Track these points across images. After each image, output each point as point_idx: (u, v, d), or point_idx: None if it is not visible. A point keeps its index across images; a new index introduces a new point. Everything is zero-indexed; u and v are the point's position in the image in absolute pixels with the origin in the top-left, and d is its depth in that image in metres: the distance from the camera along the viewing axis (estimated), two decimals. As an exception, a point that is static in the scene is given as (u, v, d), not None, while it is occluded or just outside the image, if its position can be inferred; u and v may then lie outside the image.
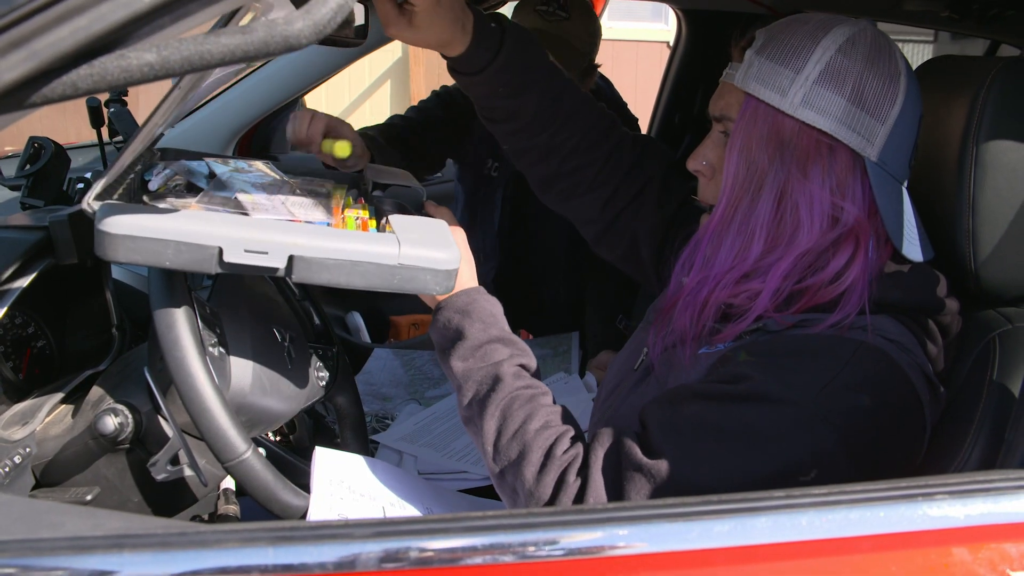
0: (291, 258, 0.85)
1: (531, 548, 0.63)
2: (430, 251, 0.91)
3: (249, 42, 0.62)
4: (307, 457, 1.50)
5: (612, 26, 7.14)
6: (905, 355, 0.93)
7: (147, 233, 0.81)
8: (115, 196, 0.91)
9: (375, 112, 7.44)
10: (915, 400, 0.92)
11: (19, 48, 0.60)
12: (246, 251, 0.84)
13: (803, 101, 0.97)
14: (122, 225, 0.81)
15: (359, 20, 1.38)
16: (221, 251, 0.83)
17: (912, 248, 0.99)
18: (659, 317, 1.09)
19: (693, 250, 1.06)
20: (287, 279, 0.88)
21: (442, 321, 1.03)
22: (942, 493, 0.67)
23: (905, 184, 1.02)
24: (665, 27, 7.25)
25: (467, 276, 1.06)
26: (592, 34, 2.06)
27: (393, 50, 7.19)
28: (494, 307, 1.05)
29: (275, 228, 0.87)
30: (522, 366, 1.01)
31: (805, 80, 0.97)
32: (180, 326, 0.89)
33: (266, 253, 0.85)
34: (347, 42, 1.25)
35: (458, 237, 1.05)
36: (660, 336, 1.07)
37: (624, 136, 1.27)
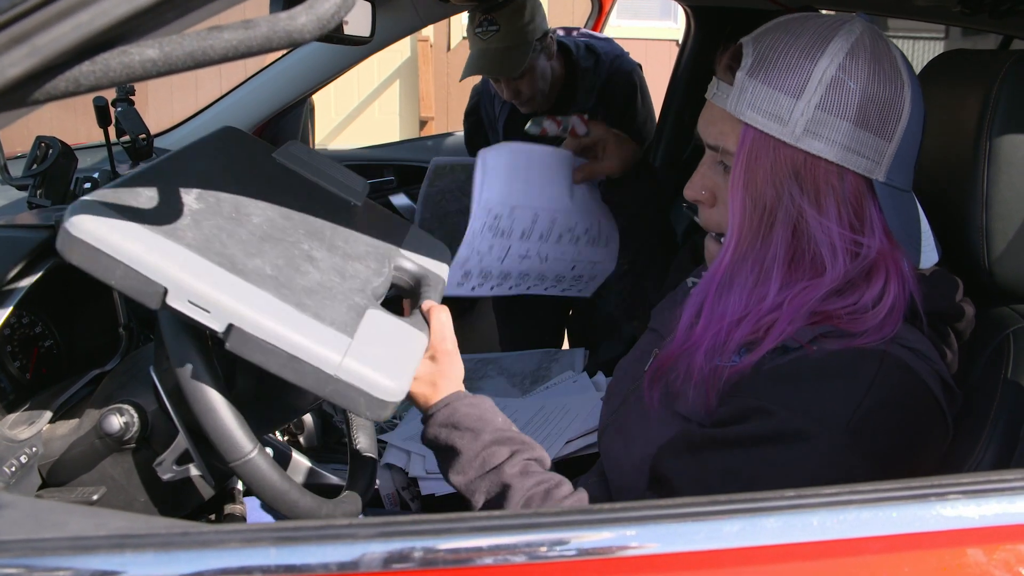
0: (231, 326, 0.80)
1: (542, 548, 0.62)
2: (374, 373, 0.83)
3: (252, 37, 0.62)
4: (315, 457, 1.50)
5: (620, 24, 7.12)
6: (923, 363, 0.90)
7: (103, 246, 0.77)
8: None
9: (384, 112, 7.45)
10: (937, 408, 0.90)
11: (21, 44, 0.60)
12: (190, 302, 0.79)
13: (806, 130, 0.90)
14: (84, 229, 0.77)
15: (366, 18, 1.38)
16: (166, 292, 0.78)
17: (925, 256, 0.94)
18: (661, 364, 1.02)
19: (702, 293, 0.99)
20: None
21: (430, 438, 0.99)
22: (956, 493, 0.65)
23: (910, 188, 0.98)
24: (674, 25, 7.23)
25: (451, 379, 1.00)
26: (527, 23, 2.20)
27: (402, 50, 7.20)
28: (479, 407, 0.98)
29: (231, 288, 0.80)
30: (528, 460, 0.96)
31: (807, 106, 0.90)
32: (185, 325, 0.88)
33: (208, 312, 0.79)
34: (353, 39, 1.25)
35: (444, 355, 0.99)
36: (658, 382, 1.01)
37: None
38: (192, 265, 0.80)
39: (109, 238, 0.77)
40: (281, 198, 0.99)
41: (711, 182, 1.00)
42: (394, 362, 0.87)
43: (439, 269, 1.12)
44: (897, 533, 0.64)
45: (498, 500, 0.93)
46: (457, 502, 1.01)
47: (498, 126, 2.57)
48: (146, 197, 0.85)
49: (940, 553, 0.64)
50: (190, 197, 0.89)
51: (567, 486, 0.93)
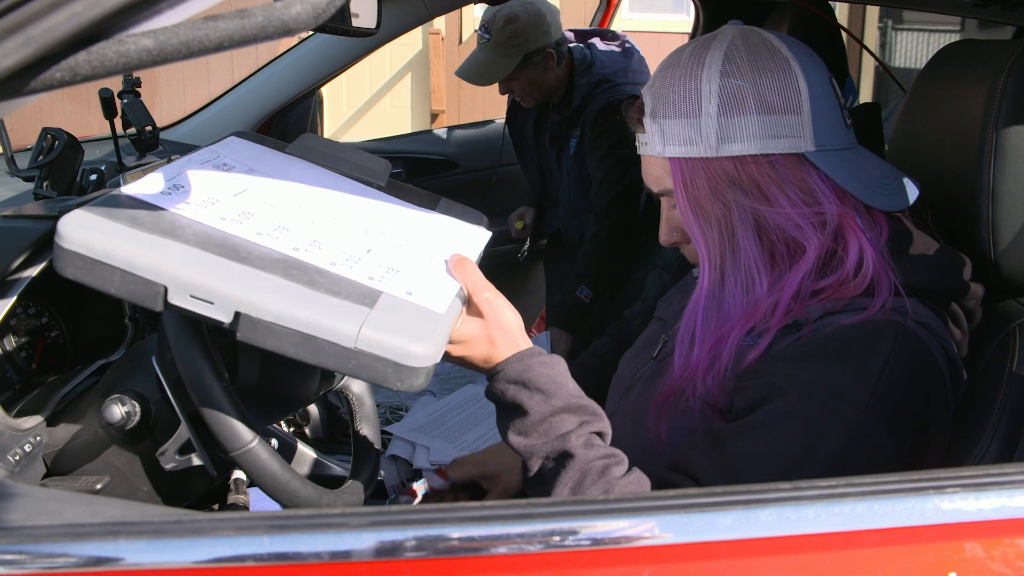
0: (238, 314, 0.76)
1: (535, 540, 0.62)
2: (398, 339, 0.76)
3: (247, 26, 0.61)
4: (321, 447, 1.50)
5: (633, 18, 7.09)
6: (933, 339, 0.92)
7: (96, 255, 0.74)
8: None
9: (396, 105, 7.45)
10: (943, 385, 0.92)
11: (15, 34, 0.60)
12: (191, 296, 0.76)
13: (719, 139, 0.95)
14: (75, 240, 0.74)
15: (372, 10, 1.38)
16: (166, 291, 0.75)
17: (887, 200, 0.98)
18: (666, 398, 1.01)
19: (690, 320, 1.01)
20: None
21: (496, 392, 0.93)
22: (955, 486, 0.65)
23: (853, 144, 1.01)
24: (687, 18, 7.19)
25: (517, 335, 0.93)
26: (518, 39, 2.31)
27: (413, 43, 7.19)
28: (554, 369, 0.92)
29: (231, 276, 0.77)
30: (594, 433, 0.92)
31: (709, 119, 0.95)
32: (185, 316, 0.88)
33: (212, 303, 0.76)
34: (358, 31, 1.25)
35: (485, 304, 0.91)
36: (665, 416, 1.00)
37: None
38: (189, 258, 0.77)
39: (101, 245, 0.74)
40: (292, 187, 0.95)
41: (676, 223, 1.06)
42: (420, 324, 0.80)
43: (474, 231, 1.05)
44: (894, 526, 0.64)
45: (555, 467, 0.90)
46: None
47: (527, 132, 2.68)
48: (140, 201, 0.82)
49: (938, 547, 0.64)
50: (189, 195, 0.86)
51: (624, 464, 0.91)
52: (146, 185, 0.85)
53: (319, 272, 0.81)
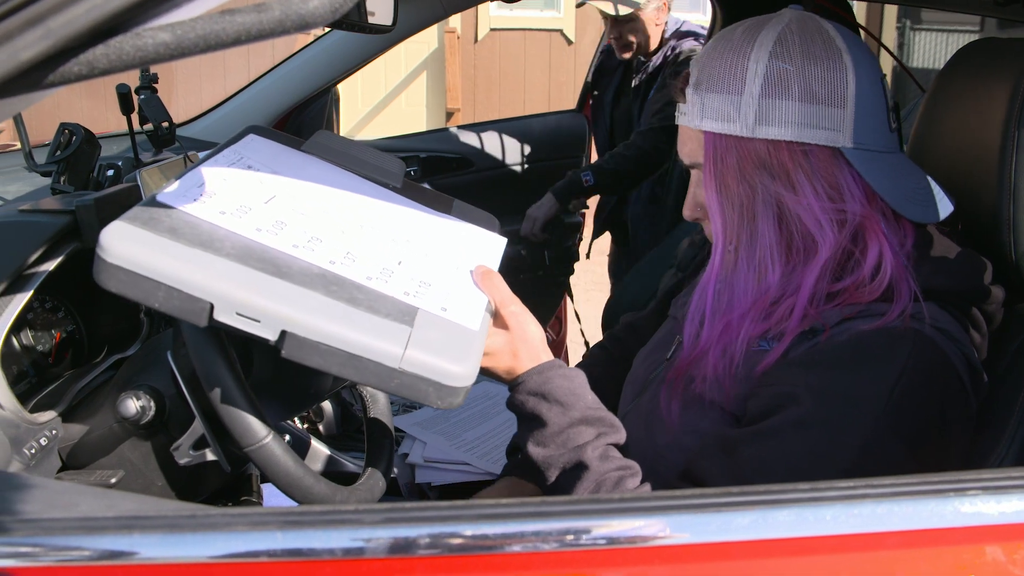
0: (284, 333, 0.76)
1: (550, 538, 0.62)
2: (440, 360, 0.78)
3: (264, 20, 0.61)
4: (334, 444, 1.50)
5: (649, 16, 7.07)
6: (952, 344, 0.90)
7: (140, 269, 0.74)
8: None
9: (411, 104, 7.46)
10: (962, 389, 0.90)
11: (35, 27, 0.60)
12: (238, 314, 0.75)
13: (757, 120, 0.94)
14: (118, 253, 0.74)
15: (388, 7, 1.38)
16: (212, 308, 0.75)
17: (918, 210, 0.96)
18: (676, 376, 1.02)
19: (700, 299, 1.01)
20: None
21: (516, 404, 0.95)
22: (975, 488, 0.64)
23: (894, 149, 0.99)
24: (704, 17, 7.16)
25: (540, 348, 0.95)
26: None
27: (429, 41, 7.20)
28: (573, 381, 0.94)
29: (278, 294, 0.77)
30: (610, 444, 0.93)
31: (751, 98, 0.94)
32: None
33: (258, 321, 0.76)
34: (372, 27, 1.25)
35: (512, 318, 0.93)
36: (676, 396, 1.01)
37: None
38: (234, 275, 0.76)
39: (145, 260, 0.74)
40: (318, 192, 0.96)
41: (701, 198, 1.04)
42: (458, 344, 0.82)
43: (491, 238, 1.06)
44: (914, 529, 0.63)
45: (571, 478, 0.91)
46: (465, 491, 1.00)
47: (606, 98, 2.93)
48: (177, 211, 0.81)
49: (958, 550, 0.63)
50: (222, 204, 0.85)
51: (639, 477, 0.92)
52: (179, 192, 0.84)
53: (358, 288, 0.82)
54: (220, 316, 0.75)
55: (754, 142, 0.95)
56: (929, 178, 1.00)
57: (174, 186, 0.85)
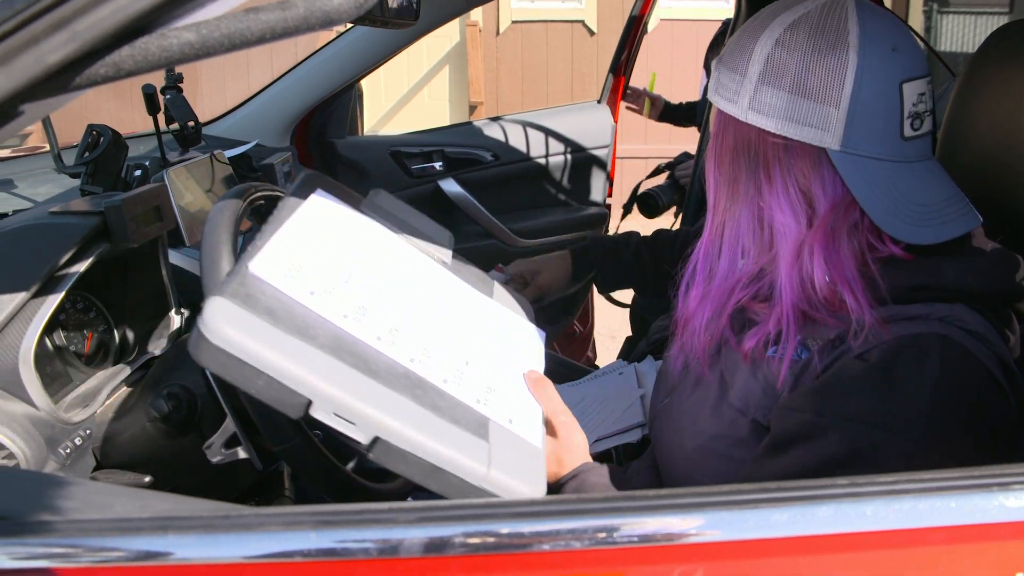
0: (376, 438, 0.76)
1: (585, 535, 0.61)
2: (516, 482, 0.79)
3: (289, 18, 0.61)
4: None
5: (671, 5, 7.02)
6: (983, 346, 0.86)
7: (244, 356, 0.73)
8: None
9: (434, 97, 7.47)
10: (998, 390, 0.86)
11: (61, 30, 0.60)
12: (335, 414, 0.75)
13: (750, 106, 0.92)
14: (224, 337, 0.72)
15: (410, 0, 1.37)
16: (310, 404, 0.75)
17: (915, 231, 0.88)
18: (672, 336, 1.06)
19: (691, 270, 1.03)
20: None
21: None
22: (1020, 483, 0.62)
23: (905, 157, 0.91)
24: (725, 5, 7.10)
25: (580, 455, 0.98)
26: None
27: (451, 35, 7.20)
28: (604, 478, 0.97)
29: (372, 398, 0.77)
30: None
31: (749, 82, 0.92)
32: None
33: (354, 424, 0.76)
34: (395, 22, 1.24)
35: (561, 428, 0.97)
36: (679, 351, 1.05)
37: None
38: (332, 373, 0.76)
39: (249, 347, 0.73)
40: (387, 270, 0.97)
41: None
42: (528, 464, 0.84)
43: (532, 331, 1.11)
44: (957, 524, 0.61)
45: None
46: None
47: None
48: (271, 287, 0.81)
49: (1003, 546, 0.62)
50: (310, 282, 0.85)
51: None
52: (269, 264, 0.83)
53: (439, 395, 0.84)
54: (317, 413, 0.75)
55: (747, 126, 0.93)
56: (956, 191, 0.92)
57: (262, 255, 0.84)
